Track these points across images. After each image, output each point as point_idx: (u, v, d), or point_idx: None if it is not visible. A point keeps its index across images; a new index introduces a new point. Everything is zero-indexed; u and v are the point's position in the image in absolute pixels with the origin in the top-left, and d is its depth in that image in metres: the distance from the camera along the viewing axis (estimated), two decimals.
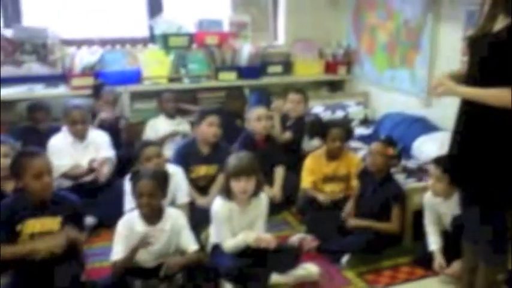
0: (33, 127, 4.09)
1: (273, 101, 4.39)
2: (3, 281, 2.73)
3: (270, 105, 4.23)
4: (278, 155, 3.95)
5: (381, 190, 3.28)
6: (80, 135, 3.74)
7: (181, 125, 4.54)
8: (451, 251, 2.91)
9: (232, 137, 4.07)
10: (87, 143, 3.76)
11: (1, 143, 3.17)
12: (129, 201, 3.09)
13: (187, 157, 3.65)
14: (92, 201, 3.51)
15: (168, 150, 3.98)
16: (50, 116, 4.15)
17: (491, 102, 2.12)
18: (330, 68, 5.36)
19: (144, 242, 2.62)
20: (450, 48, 3.91)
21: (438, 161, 2.92)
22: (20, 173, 2.57)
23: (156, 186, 2.68)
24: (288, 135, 4.13)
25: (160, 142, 3.90)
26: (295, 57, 5.28)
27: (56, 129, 3.89)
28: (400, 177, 3.42)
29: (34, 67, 4.51)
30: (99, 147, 3.79)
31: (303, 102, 4.26)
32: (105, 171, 3.75)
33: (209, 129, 3.65)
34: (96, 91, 4.31)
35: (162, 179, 2.75)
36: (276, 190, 3.78)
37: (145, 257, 2.70)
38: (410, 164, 3.68)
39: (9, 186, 3.02)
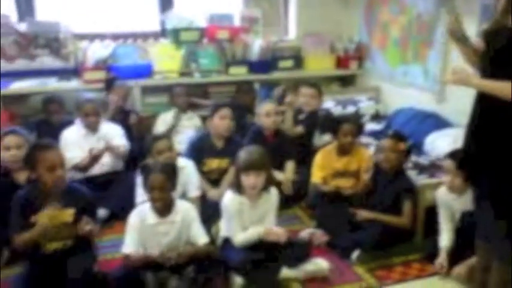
0: (47, 120, 4.14)
1: (287, 95, 4.38)
2: (17, 270, 2.77)
3: (283, 98, 4.24)
4: (288, 149, 3.94)
5: (392, 186, 3.26)
6: (92, 128, 3.78)
7: (193, 119, 4.55)
8: (460, 248, 2.90)
9: (242, 131, 4.07)
10: (99, 135, 3.79)
11: (15, 134, 3.20)
12: (140, 193, 3.11)
13: (200, 150, 3.67)
14: (103, 193, 3.54)
15: (179, 144, 3.99)
16: (63, 109, 4.19)
17: (505, 96, 2.10)
18: (341, 62, 5.34)
19: (163, 258, 2.64)
20: None
21: (454, 155, 2.89)
22: (34, 164, 2.60)
23: (166, 179, 2.70)
24: (300, 129, 4.12)
25: (167, 134, 3.90)
26: (306, 52, 5.26)
27: (69, 122, 3.93)
28: (412, 174, 3.41)
29: (47, 61, 4.55)
30: (111, 139, 3.81)
31: (317, 97, 4.24)
32: (122, 149, 3.80)
33: (221, 122, 3.67)
34: (108, 85, 4.34)
35: (171, 172, 2.77)
36: (286, 184, 3.77)
37: (156, 250, 2.71)
38: (423, 160, 3.66)
39: (22, 176, 3.06)
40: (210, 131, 3.77)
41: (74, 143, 3.70)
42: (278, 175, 3.67)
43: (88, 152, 3.65)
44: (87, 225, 2.61)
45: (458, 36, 2.43)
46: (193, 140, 3.83)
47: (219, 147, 3.72)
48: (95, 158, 3.68)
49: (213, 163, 3.68)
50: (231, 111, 3.73)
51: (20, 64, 4.49)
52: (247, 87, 4.80)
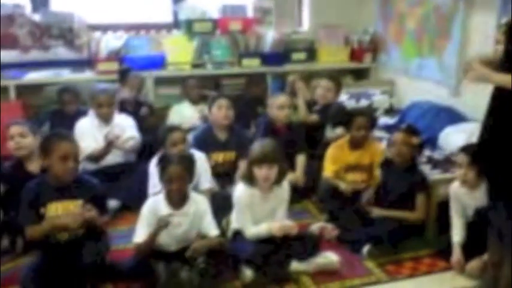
0: (61, 110, 4.15)
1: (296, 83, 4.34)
2: (29, 260, 2.80)
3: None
4: (299, 142, 3.90)
5: (404, 180, 3.23)
6: (105, 118, 3.79)
7: (204, 111, 4.54)
8: (472, 244, 2.86)
9: (254, 123, 4.05)
10: (112, 126, 3.79)
11: (17, 124, 3.25)
12: (153, 185, 3.12)
13: (204, 144, 3.65)
14: (115, 184, 3.55)
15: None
16: (77, 99, 4.18)
17: None
18: (355, 55, 5.30)
19: (164, 221, 2.63)
20: (483, 36, 3.80)
21: (467, 148, 2.86)
22: (47, 153, 2.63)
23: (185, 170, 2.70)
24: (314, 117, 4.09)
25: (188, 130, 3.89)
26: (319, 44, 5.23)
27: (82, 113, 3.95)
28: (425, 168, 3.37)
29: (61, 51, 4.59)
30: (123, 130, 3.82)
31: (333, 91, 4.18)
32: (131, 143, 3.80)
33: (219, 112, 3.67)
34: (122, 76, 4.34)
35: (189, 163, 2.78)
36: (297, 175, 3.74)
37: (168, 241, 2.73)
38: (437, 154, 3.62)
39: (34, 166, 3.11)
40: (212, 124, 3.76)
41: (88, 134, 3.71)
42: (291, 176, 3.61)
43: (104, 138, 3.65)
44: (88, 212, 2.61)
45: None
46: (197, 134, 3.82)
47: (222, 139, 3.72)
48: (109, 144, 3.66)
49: (219, 157, 3.68)
50: (230, 101, 3.73)
51: (34, 55, 4.53)
52: (258, 79, 4.76)
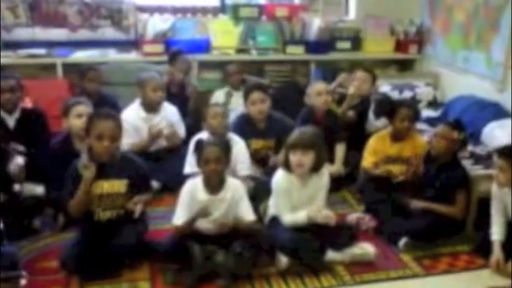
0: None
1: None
2: (70, 236, 2.90)
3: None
4: (339, 131, 3.88)
5: (443, 174, 3.18)
6: (158, 104, 3.78)
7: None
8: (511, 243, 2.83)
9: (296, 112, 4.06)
10: (160, 118, 3.79)
11: (84, 103, 3.29)
12: (189, 163, 3.16)
13: (243, 131, 3.64)
14: (157, 165, 3.60)
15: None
16: (101, 81, 4.08)
17: None
18: (400, 46, 5.22)
19: (203, 212, 2.68)
20: None
21: (502, 151, 2.81)
22: (88, 131, 2.71)
23: (221, 151, 2.73)
24: (351, 114, 4.07)
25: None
26: (365, 34, 5.17)
27: (104, 98, 3.95)
28: (467, 163, 3.32)
29: (108, 32, 4.68)
30: (169, 123, 3.81)
31: (369, 82, 4.16)
32: (176, 139, 3.81)
33: (253, 107, 3.65)
34: (172, 58, 4.35)
35: (225, 146, 2.79)
36: (337, 166, 3.75)
37: (204, 224, 2.76)
38: (479, 150, 3.55)
39: (82, 145, 3.16)
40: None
41: (131, 130, 3.64)
42: (329, 168, 3.60)
43: (148, 130, 3.68)
44: (134, 206, 2.70)
45: None
46: (235, 121, 3.80)
47: (260, 127, 3.71)
48: (152, 139, 3.70)
49: (258, 144, 3.67)
50: (263, 93, 3.67)
51: (82, 34, 4.63)
52: (303, 68, 4.71)
